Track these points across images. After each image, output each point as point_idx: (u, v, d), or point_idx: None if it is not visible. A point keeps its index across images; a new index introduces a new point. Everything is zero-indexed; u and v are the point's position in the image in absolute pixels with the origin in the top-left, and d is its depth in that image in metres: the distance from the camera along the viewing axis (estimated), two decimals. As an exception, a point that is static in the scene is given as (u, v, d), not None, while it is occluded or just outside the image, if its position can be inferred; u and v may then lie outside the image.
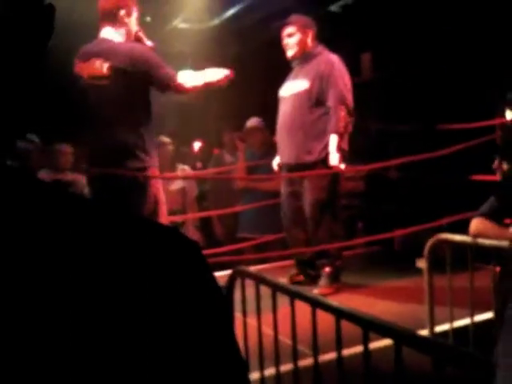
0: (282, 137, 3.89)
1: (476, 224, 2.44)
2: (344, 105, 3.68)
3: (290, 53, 3.86)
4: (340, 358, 1.85)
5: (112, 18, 3.19)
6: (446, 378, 1.51)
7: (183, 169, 4.99)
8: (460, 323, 2.75)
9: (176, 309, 0.43)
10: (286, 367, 2.23)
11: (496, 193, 2.41)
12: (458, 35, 5.04)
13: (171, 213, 4.75)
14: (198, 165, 6.35)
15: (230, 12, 6.67)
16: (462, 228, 2.64)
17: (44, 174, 4.51)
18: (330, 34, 6.35)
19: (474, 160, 4.14)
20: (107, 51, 3.11)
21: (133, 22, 3.27)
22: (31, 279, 0.39)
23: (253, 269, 2.78)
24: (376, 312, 2.03)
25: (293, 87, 3.84)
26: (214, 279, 0.47)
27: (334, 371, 1.89)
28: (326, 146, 3.71)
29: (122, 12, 3.20)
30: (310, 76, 3.74)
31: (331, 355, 2.03)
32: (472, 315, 2.62)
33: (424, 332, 2.67)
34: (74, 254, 0.41)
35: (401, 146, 5.26)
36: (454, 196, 4.28)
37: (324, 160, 3.72)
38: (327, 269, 3.80)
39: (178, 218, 4.75)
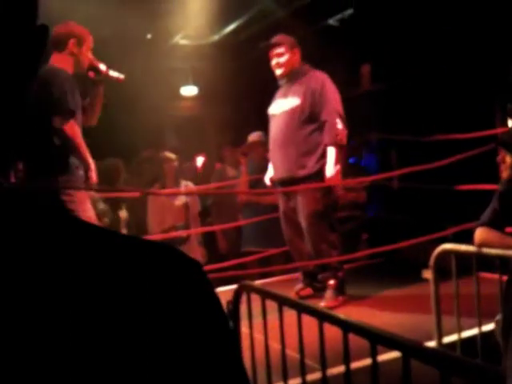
0: (275, 153, 3.96)
1: (480, 233, 2.44)
2: (340, 118, 3.77)
3: (278, 72, 3.95)
4: (348, 372, 1.84)
5: (61, 47, 3.21)
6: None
7: (186, 184, 5.01)
8: (467, 333, 2.74)
9: (179, 327, 0.43)
10: (294, 381, 2.22)
11: (497, 202, 2.41)
12: (456, 46, 5.07)
13: (175, 228, 4.76)
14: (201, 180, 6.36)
15: (229, 28, 6.73)
16: (466, 238, 2.64)
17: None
18: (329, 47, 6.41)
19: (476, 169, 4.14)
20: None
21: (84, 51, 3.28)
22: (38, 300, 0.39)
23: (258, 283, 2.78)
24: (382, 324, 2.03)
25: (284, 105, 3.92)
26: (216, 298, 0.47)
27: (342, 385, 1.88)
28: (319, 159, 3.78)
29: (72, 41, 3.22)
30: (301, 92, 3.82)
31: (339, 368, 2.02)
32: (480, 325, 2.61)
33: (432, 343, 2.66)
34: (74, 276, 0.41)
35: (402, 157, 5.27)
36: (457, 205, 4.28)
37: (317, 173, 3.79)
38: (331, 281, 3.80)
39: (181, 233, 4.75)
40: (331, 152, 3.74)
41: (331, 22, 6.79)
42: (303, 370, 2.07)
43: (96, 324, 0.40)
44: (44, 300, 0.40)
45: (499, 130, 4.31)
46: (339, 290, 3.80)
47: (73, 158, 3.07)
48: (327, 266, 3.86)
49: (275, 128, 3.95)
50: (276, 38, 4.00)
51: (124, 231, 4.65)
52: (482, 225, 2.42)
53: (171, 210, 4.79)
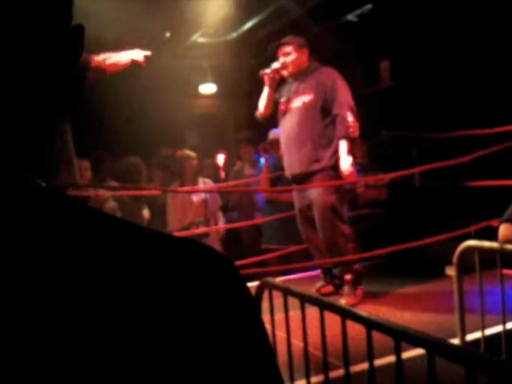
0: (289, 149, 3.98)
1: (504, 230, 2.41)
2: (352, 111, 3.80)
3: (286, 71, 3.98)
4: (372, 369, 1.83)
5: None
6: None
7: (204, 182, 5.03)
8: (491, 331, 2.71)
9: (213, 325, 0.43)
10: (317, 379, 2.21)
11: None
12: (477, 41, 5.01)
13: (195, 224, 4.78)
14: (222, 177, 6.38)
15: (247, 25, 6.73)
16: (490, 234, 2.61)
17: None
18: (348, 43, 6.38)
19: (499, 165, 4.09)
20: None
21: None
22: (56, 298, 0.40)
23: (279, 280, 2.78)
24: (405, 321, 2.02)
25: (296, 102, 3.94)
26: (250, 295, 0.47)
27: (365, 382, 1.87)
28: (334, 152, 3.81)
29: None
30: (313, 88, 3.87)
31: (362, 366, 2.02)
32: (504, 322, 2.58)
33: (455, 341, 2.64)
34: (110, 274, 0.41)
35: (422, 153, 5.23)
36: (480, 202, 4.23)
37: (332, 166, 3.81)
38: (348, 276, 3.82)
39: (201, 230, 4.77)
40: (343, 145, 3.77)
41: (350, 17, 6.75)
42: (326, 368, 2.06)
43: (129, 320, 0.40)
44: (70, 296, 0.40)
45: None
46: (356, 283, 3.82)
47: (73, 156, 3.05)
48: (342, 261, 3.85)
49: (288, 124, 3.97)
50: (284, 39, 4.04)
51: None
52: (506, 221, 2.39)
53: (191, 207, 4.82)
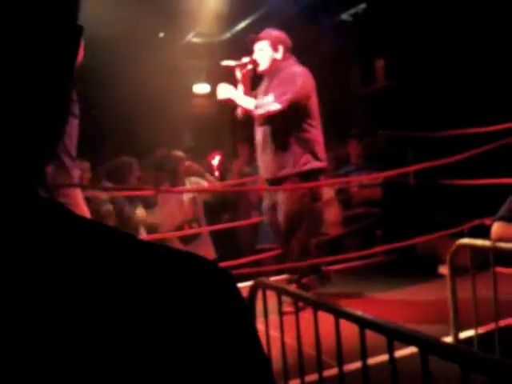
0: (258, 152, 3.87)
1: (496, 228, 2.42)
2: (284, 103, 3.58)
3: (260, 67, 3.81)
4: (365, 368, 1.83)
5: None
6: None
7: (197, 182, 5.02)
8: (485, 329, 2.72)
9: (205, 330, 0.43)
10: (311, 378, 2.22)
11: None
12: (472, 39, 5.02)
13: (187, 224, 4.77)
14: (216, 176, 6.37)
15: (241, 25, 6.73)
16: (483, 233, 2.62)
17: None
18: (343, 43, 6.39)
19: (493, 163, 4.11)
20: None
21: None
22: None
23: (273, 280, 2.78)
24: (398, 320, 2.02)
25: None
26: (246, 308, 0.47)
27: (359, 381, 1.88)
28: (300, 159, 3.69)
29: None
30: (273, 91, 3.67)
31: (356, 365, 2.02)
32: (497, 320, 2.59)
33: (448, 339, 2.65)
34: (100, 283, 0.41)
35: (417, 152, 5.24)
36: (473, 200, 4.25)
37: (298, 173, 3.70)
38: (304, 280, 3.74)
39: (194, 230, 4.77)
40: (248, 101, 3.68)
41: (344, 16, 6.77)
42: (320, 367, 2.07)
43: (107, 328, 0.40)
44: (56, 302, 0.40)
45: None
46: (307, 288, 3.61)
47: (67, 158, 3.00)
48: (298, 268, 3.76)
49: (257, 127, 3.84)
50: (259, 34, 3.85)
51: (142, 230, 4.69)
52: (499, 219, 2.39)
53: (181, 206, 4.82)
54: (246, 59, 3.79)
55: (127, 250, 0.45)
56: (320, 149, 3.79)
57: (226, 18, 6.13)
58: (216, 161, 7.05)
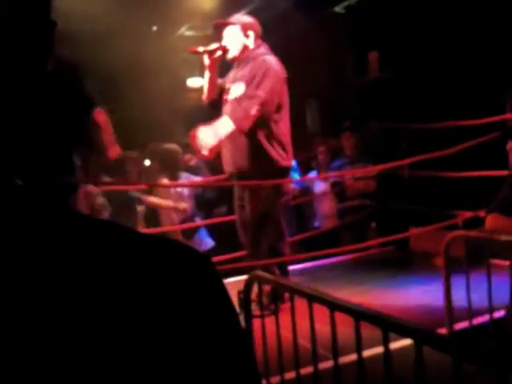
0: (225, 143, 3.61)
1: (491, 220, 2.43)
2: (260, 107, 3.39)
3: (230, 54, 3.62)
4: (360, 360, 1.84)
5: None
6: (466, 377, 1.51)
7: (188, 176, 5.01)
8: (479, 320, 2.74)
9: (185, 324, 0.43)
10: (306, 370, 2.23)
11: (509, 188, 2.39)
12: (465, 32, 5.03)
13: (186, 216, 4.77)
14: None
15: (233, 19, 6.70)
16: (477, 225, 2.63)
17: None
18: (336, 35, 6.38)
19: (486, 156, 4.12)
20: None
21: None
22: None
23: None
24: (394, 311, 2.03)
25: (231, 92, 3.61)
26: (225, 294, 0.47)
27: (354, 373, 1.89)
28: (265, 154, 3.49)
29: None
30: (245, 80, 3.50)
31: (351, 357, 2.03)
32: (491, 312, 2.61)
33: (443, 330, 2.66)
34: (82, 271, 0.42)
35: (411, 144, 5.25)
36: (467, 193, 4.27)
37: (254, 169, 3.50)
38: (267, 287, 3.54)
39: (192, 225, 4.78)
40: (225, 124, 3.37)
41: (337, 9, 6.75)
42: (315, 359, 2.08)
43: (98, 320, 0.40)
44: (48, 297, 0.40)
45: (508, 116, 4.29)
46: (273, 298, 3.19)
47: (75, 157, 2.99)
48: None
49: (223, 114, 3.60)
50: (228, 19, 3.66)
51: (142, 223, 4.70)
52: (493, 211, 2.40)
53: (183, 201, 4.81)
54: (214, 45, 3.58)
55: (117, 242, 0.45)
56: (287, 143, 3.60)
57: (219, 10, 6.10)
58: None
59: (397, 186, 5.10)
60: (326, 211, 5.37)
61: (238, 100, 3.46)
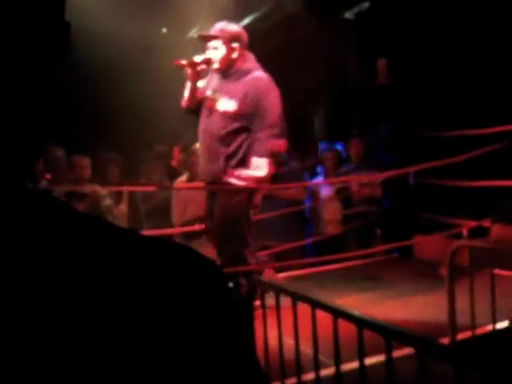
0: (202, 152, 3.64)
1: (496, 229, 2.43)
2: (274, 131, 3.43)
3: (214, 66, 3.54)
4: (362, 368, 1.84)
5: None
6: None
7: None
8: (482, 330, 2.73)
9: (190, 327, 0.43)
10: (308, 377, 2.23)
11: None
12: (474, 40, 5.02)
13: (197, 220, 4.76)
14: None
15: (244, 22, 6.72)
16: (482, 234, 2.63)
17: (64, 186, 4.56)
18: (345, 41, 6.38)
19: (493, 165, 4.11)
20: None
21: None
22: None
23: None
24: (397, 320, 2.04)
25: (222, 104, 3.53)
26: (231, 297, 0.48)
27: (356, 381, 1.89)
28: (239, 165, 3.48)
29: None
30: (238, 96, 3.44)
31: (353, 364, 2.03)
32: (494, 322, 2.60)
33: (446, 340, 2.65)
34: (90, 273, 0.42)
35: (417, 151, 5.24)
36: (473, 201, 4.25)
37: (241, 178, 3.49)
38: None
39: (198, 227, 4.77)
40: (260, 162, 3.44)
41: (347, 15, 6.76)
42: (317, 366, 2.08)
43: (103, 322, 0.41)
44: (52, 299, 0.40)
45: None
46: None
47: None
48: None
49: (207, 125, 3.58)
50: (212, 30, 3.57)
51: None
52: (498, 221, 2.41)
53: (193, 202, 4.78)
54: (198, 57, 3.53)
55: (123, 245, 0.45)
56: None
57: (229, 14, 6.12)
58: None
59: (402, 193, 5.09)
60: (331, 216, 5.36)
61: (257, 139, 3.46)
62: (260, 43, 6.61)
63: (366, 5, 6.51)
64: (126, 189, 4.58)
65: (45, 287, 0.41)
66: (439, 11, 5.28)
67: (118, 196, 4.83)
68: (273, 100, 3.46)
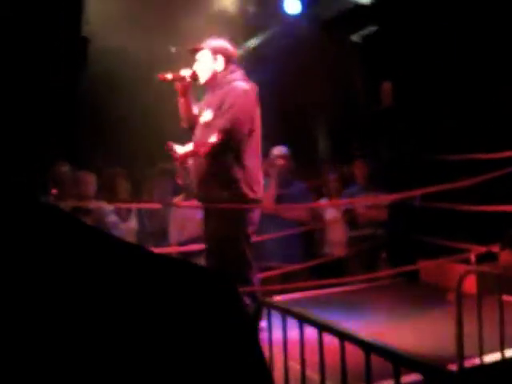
0: (191, 169, 3.62)
1: (505, 255, 2.42)
2: (222, 135, 3.37)
3: (201, 80, 3.55)
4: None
5: None
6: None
7: None
8: (490, 358, 2.69)
9: (207, 342, 0.43)
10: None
11: None
12: (480, 65, 5.05)
13: (192, 240, 4.75)
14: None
15: (254, 42, 6.78)
16: (490, 259, 2.61)
17: (69, 202, 4.56)
18: (351, 63, 6.43)
19: (502, 190, 4.09)
20: None
21: None
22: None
23: (278, 299, 2.76)
24: (403, 345, 2.01)
25: (202, 116, 3.55)
26: (246, 315, 0.47)
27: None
28: (228, 182, 3.42)
29: None
30: (214, 107, 3.45)
31: (360, 390, 2.00)
32: (502, 350, 2.56)
33: (453, 367, 2.61)
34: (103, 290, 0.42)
35: (423, 175, 5.24)
36: (481, 226, 4.23)
37: (229, 196, 3.43)
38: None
39: (198, 247, 4.76)
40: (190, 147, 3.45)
41: (354, 38, 6.82)
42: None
43: (112, 337, 0.40)
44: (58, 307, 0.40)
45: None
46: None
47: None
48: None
49: (193, 140, 3.59)
50: (199, 44, 3.61)
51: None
52: (507, 247, 2.39)
53: (191, 222, 4.78)
54: (184, 72, 3.52)
55: (130, 260, 0.45)
56: (255, 173, 3.51)
57: (237, 34, 6.18)
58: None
59: (409, 216, 5.07)
60: (336, 238, 5.34)
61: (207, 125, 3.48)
62: (269, 63, 6.67)
63: (373, 28, 6.57)
64: (134, 206, 4.57)
65: (51, 294, 0.40)
66: (446, 36, 5.32)
67: (127, 212, 4.81)
68: (239, 107, 3.40)
